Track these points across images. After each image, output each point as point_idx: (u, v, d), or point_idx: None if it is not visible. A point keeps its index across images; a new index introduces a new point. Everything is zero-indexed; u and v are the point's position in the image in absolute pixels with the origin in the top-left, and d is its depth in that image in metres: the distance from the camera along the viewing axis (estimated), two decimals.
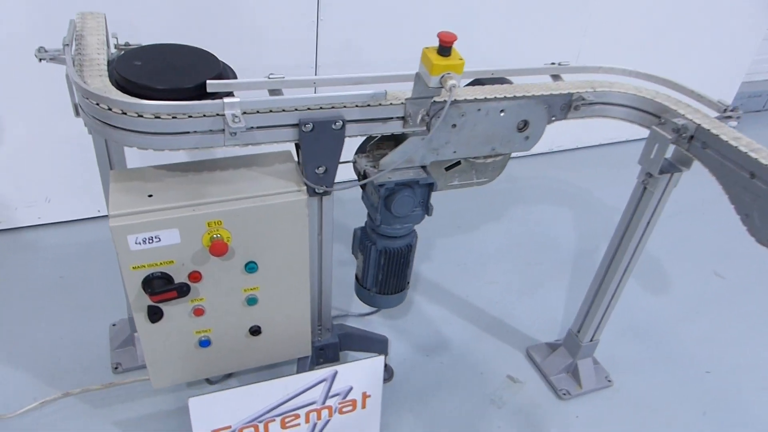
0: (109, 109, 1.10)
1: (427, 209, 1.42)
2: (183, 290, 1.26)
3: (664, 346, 2.07)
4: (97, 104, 1.11)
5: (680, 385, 1.94)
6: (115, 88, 1.16)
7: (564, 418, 1.78)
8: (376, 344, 1.75)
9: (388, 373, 1.81)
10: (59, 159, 2.14)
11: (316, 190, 1.30)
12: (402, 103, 1.26)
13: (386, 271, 1.48)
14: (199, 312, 1.34)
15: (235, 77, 1.28)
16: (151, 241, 1.20)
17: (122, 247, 1.19)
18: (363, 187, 1.43)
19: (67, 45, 1.24)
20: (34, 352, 1.78)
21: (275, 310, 1.42)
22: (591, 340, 1.82)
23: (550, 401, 1.82)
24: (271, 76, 1.21)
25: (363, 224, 1.53)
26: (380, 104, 1.25)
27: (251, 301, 1.37)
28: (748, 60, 3.28)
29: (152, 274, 1.24)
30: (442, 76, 1.14)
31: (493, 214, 2.63)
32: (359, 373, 1.53)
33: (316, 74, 2.33)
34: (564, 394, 1.82)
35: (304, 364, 1.58)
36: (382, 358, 1.54)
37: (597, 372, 1.89)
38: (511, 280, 2.27)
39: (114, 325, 1.88)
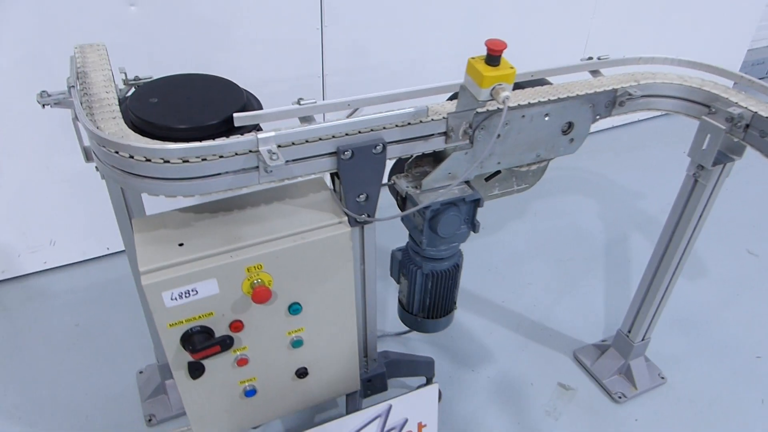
0: (131, 157, 0.99)
1: (473, 226, 1.33)
2: (226, 343, 1.16)
3: (710, 334, 2.00)
4: (116, 152, 1.00)
5: (733, 374, 1.86)
6: (132, 132, 1.05)
7: (623, 423, 1.70)
8: (422, 367, 1.66)
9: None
10: (60, 199, 2.02)
11: (358, 220, 1.20)
12: (444, 118, 1.16)
13: (434, 294, 1.39)
14: (242, 362, 1.24)
15: (260, 106, 1.18)
16: (188, 295, 1.10)
17: (157, 305, 1.09)
18: (402, 209, 1.33)
19: (73, 87, 1.13)
20: (60, 411, 1.68)
21: (322, 350, 1.33)
22: (642, 339, 1.74)
23: (606, 406, 1.74)
24: (302, 102, 1.10)
25: (400, 245, 1.44)
26: (421, 121, 1.15)
27: (296, 343, 1.27)
28: (753, 27, 3.20)
29: (191, 329, 1.14)
30: (493, 88, 1.04)
31: (515, 211, 2.54)
32: (414, 403, 1.44)
33: (323, 82, 2.23)
34: (619, 398, 1.74)
35: (353, 400, 1.49)
36: (436, 386, 1.45)
37: (650, 370, 1.81)
38: (546, 280, 2.18)
39: (141, 372, 1.77)
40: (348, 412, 1.49)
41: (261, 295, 1.13)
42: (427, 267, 1.35)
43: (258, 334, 1.22)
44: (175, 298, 1.09)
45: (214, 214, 1.19)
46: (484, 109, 1.20)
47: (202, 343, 1.13)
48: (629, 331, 1.73)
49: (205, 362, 1.20)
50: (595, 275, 2.21)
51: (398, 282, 1.46)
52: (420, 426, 1.47)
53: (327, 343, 1.32)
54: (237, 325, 1.18)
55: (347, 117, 1.11)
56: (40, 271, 2.13)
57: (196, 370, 1.20)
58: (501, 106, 1.09)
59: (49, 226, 2.06)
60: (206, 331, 1.15)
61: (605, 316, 2.03)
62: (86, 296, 2.04)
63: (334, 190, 1.24)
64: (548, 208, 2.57)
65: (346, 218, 1.19)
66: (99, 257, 2.19)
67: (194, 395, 1.25)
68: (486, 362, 1.85)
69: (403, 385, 1.75)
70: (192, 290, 1.10)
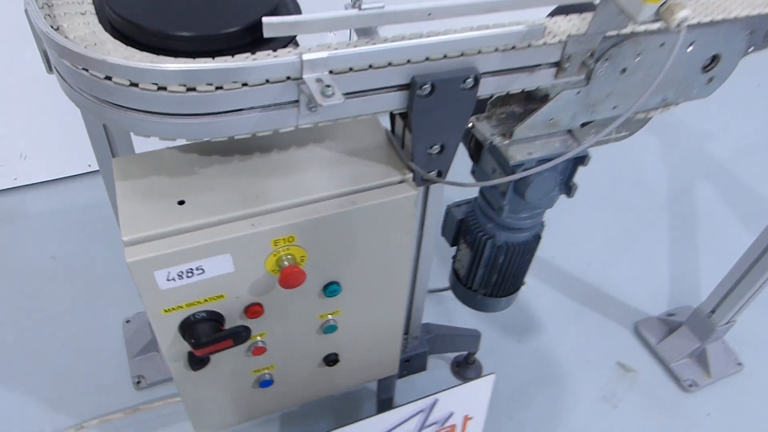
0: (108, 79, 0.65)
1: (568, 189, 1.01)
2: (241, 336, 0.86)
3: None
4: (86, 70, 0.66)
5: None
6: (110, 38, 0.70)
7: (693, 417, 1.45)
8: (467, 342, 1.39)
9: (476, 371, 1.47)
10: (32, 104, 1.66)
11: (425, 178, 0.87)
12: (561, 42, 0.81)
13: (505, 270, 1.09)
14: (259, 351, 0.95)
15: (298, 9, 0.82)
16: (190, 274, 0.79)
17: (147, 286, 0.78)
18: (476, 159, 1.00)
19: None
20: (27, 366, 1.41)
21: (359, 333, 1.04)
22: (727, 323, 1.46)
23: (673, 396, 1.49)
24: (363, 7, 0.74)
25: (459, 200, 1.12)
26: (530, 45, 0.80)
27: (330, 329, 0.98)
28: None
29: (194, 316, 0.84)
30: (665, 3, 0.69)
31: None
32: (464, 396, 1.17)
33: None
34: (690, 386, 1.49)
35: (388, 384, 1.22)
36: (491, 378, 1.18)
37: (726, 355, 1.55)
38: (602, 232, 1.88)
39: (128, 321, 1.49)
40: (380, 398, 1.23)
41: (292, 278, 0.82)
42: (501, 237, 1.04)
43: (281, 320, 0.92)
44: (173, 279, 0.78)
45: (227, 157, 0.86)
46: (613, 33, 0.84)
47: (208, 335, 0.83)
48: (712, 312, 1.46)
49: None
50: (657, 230, 1.91)
51: (454, 245, 1.16)
52: (466, 419, 1.21)
53: (366, 327, 1.03)
54: (255, 310, 0.88)
55: (425, 36, 0.76)
56: (9, 189, 1.80)
57: (198, 363, 0.91)
58: (673, 29, 0.73)
59: (18, 136, 1.71)
60: (214, 319, 0.85)
61: (670, 281, 1.75)
62: (64, 222, 1.73)
63: (393, 132, 0.90)
64: (603, 146, 2.23)
65: (410, 175, 0.86)
66: (79, 175, 1.85)
67: (193, 387, 0.97)
68: (533, 332, 1.58)
69: (442, 358, 1.49)
70: (197, 269, 0.79)
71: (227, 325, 0.87)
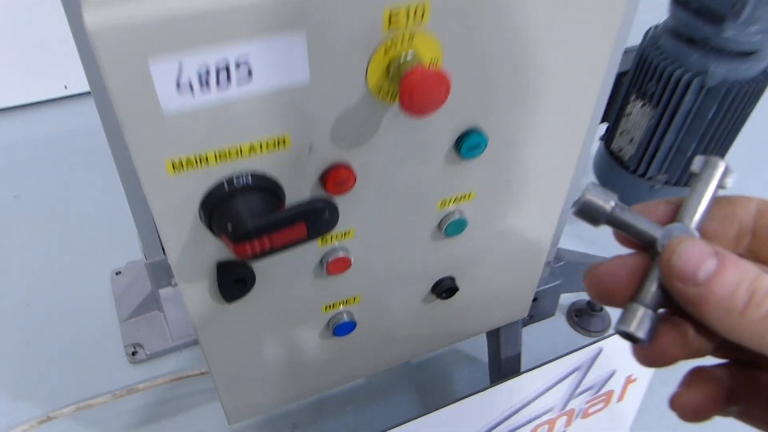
0: None
1: None
2: (322, 221, 0.44)
3: None
4: None
5: None
6: None
7: None
8: None
9: (603, 323, 1.06)
10: None
11: None
12: None
13: (713, 132, 0.68)
14: (339, 264, 0.54)
15: None
16: (222, 79, 0.38)
17: (135, 103, 0.37)
18: None
19: None
20: None
21: (494, 243, 0.63)
22: None
23: None
24: None
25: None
26: None
27: (455, 226, 0.57)
28: None
29: (231, 181, 0.43)
30: None
31: None
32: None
33: None
34: None
35: (511, 337, 0.81)
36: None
37: None
38: None
39: (118, 273, 1.09)
40: (502, 357, 0.82)
41: (426, 89, 0.41)
42: (718, 72, 0.63)
43: (379, 202, 0.52)
44: (188, 88, 0.38)
45: None
46: None
47: (260, 215, 0.43)
48: None
49: (256, 265, 0.51)
50: None
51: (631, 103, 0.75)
52: (628, 381, 0.81)
53: (506, 230, 0.63)
54: (340, 178, 0.47)
55: None
56: None
57: (235, 284, 0.50)
58: None
59: None
60: (269, 189, 0.45)
61: None
62: (31, 156, 1.32)
63: None
64: None
65: None
66: (52, 100, 1.44)
67: (226, 338, 0.57)
68: None
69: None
70: (237, 65, 0.38)
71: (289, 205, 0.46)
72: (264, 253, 0.44)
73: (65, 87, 1.42)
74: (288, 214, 0.43)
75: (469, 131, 0.50)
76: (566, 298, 1.07)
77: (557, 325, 1.07)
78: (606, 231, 0.32)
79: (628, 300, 0.28)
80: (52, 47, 1.34)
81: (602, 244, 1.11)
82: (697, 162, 0.29)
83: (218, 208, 0.44)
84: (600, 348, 0.72)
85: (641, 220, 0.29)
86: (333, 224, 0.45)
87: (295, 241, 0.44)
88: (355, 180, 0.48)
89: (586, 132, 0.57)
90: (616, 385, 0.80)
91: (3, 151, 1.33)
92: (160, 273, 0.96)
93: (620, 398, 0.83)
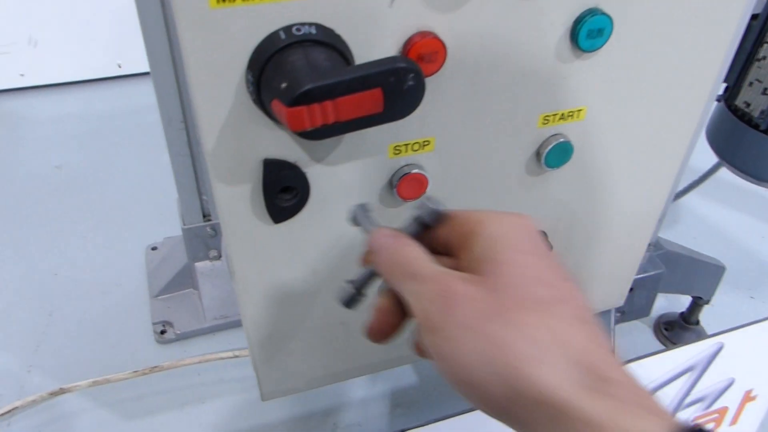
0: None
1: None
2: (407, 93, 0.34)
3: None
4: None
5: None
6: None
7: None
8: (705, 277, 0.83)
9: (698, 337, 0.91)
10: None
11: None
12: None
13: None
14: (413, 186, 0.43)
15: None
16: None
17: None
18: None
19: None
20: (16, 306, 0.93)
21: (602, 186, 0.51)
22: None
23: None
24: None
25: None
26: None
27: (557, 153, 0.46)
28: None
29: (288, 32, 0.33)
30: None
31: None
32: (751, 349, 0.63)
33: None
34: None
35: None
36: None
37: None
38: None
39: (154, 249, 1.00)
40: None
41: None
42: None
43: (469, 102, 0.41)
44: None
45: None
46: None
47: (322, 73, 0.32)
48: None
49: (311, 174, 0.40)
50: None
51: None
52: (747, 397, 0.66)
53: (618, 168, 0.51)
54: (428, 47, 0.37)
55: None
56: (14, 90, 1.35)
57: (284, 196, 0.40)
58: None
59: (25, 11, 1.28)
60: (333, 46, 0.35)
61: None
62: (78, 130, 1.26)
63: None
64: None
65: None
66: (105, 79, 1.40)
67: (267, 275, 0.46)
68: None
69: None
70: None
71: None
72: (325, 129, 0.33)
73: (119, 66, 1.38)
74: (361, 73, 0.32)
75: (589, 11, 0.39)
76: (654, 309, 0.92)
77: (643, 338, 0.92)
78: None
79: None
80: (107, 26, 1.31)
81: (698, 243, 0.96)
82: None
83: (271, 64, 0.33)
84: (721, 344, 0.59)
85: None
86: (417, 100, 0.34)
87: (367, 118, 0.34)
88: (445, 58, 0.38)
89: (714, 78, 0.46)
90: (732, 400, 0.66)
91: (49, 123, 1.28)
92: (198, 243, 0.87)
93: (734, 420, 0.68)
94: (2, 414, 0.76)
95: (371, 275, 0.34)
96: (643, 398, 0.24)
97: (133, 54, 1.35)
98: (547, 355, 0.24)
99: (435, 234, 0.32)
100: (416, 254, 0.30)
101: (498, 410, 0.25)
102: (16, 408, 0.76)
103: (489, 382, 0.25)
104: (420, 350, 0.31)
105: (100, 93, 1.36)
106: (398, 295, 0.30)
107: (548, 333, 0.24)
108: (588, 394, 0.23)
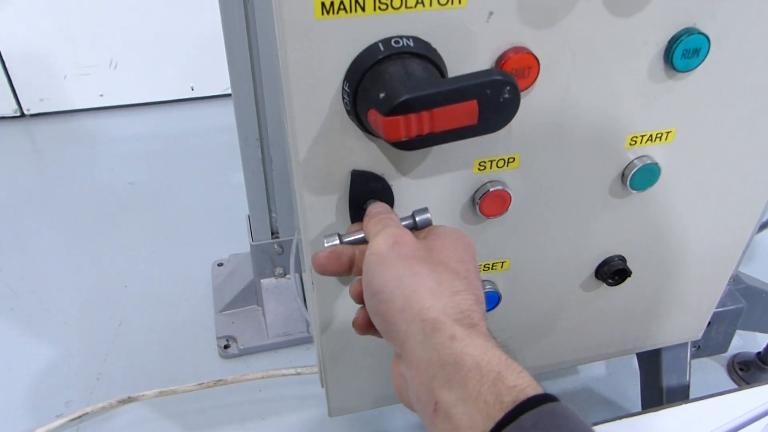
0: None
1: None
2: (503, 106, 0.34)
3: None
4: None
5: None
6: None
7: None
8: None
9: None
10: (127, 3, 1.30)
11: None
12: None
13: None
14: (496, 203, 0.43)
15: None
16: None
17: None
18: None
19: None
20: (78, 314, 0.96)
21: (686, 213, 0.50)
22: None
23: None
24: None
25: None
26: None
27: (644, 176, 0.45)
28: None
29: (387, 44, 0.34)
30: None
31: None
32: None
33: None
34: None
35: (678, 362, 0.65)
36: None
37: None
38: None
39: (220, 265, 1.02)
40: (647, 387, 0.66)
41: None
42: None
43: (557, 116, 0.41)
44: None
45: None
46: None
47: (424, 84, 0.33)
48: None
49: (395, 186, 0.41)
50: None
51: None
52: None
53: (704, 196, 0.49)
54: (521, 62, 0.37)
55: None
56: (93, 110, 1.42)
57: (366, 194, 0.41)
58: None
59: (110, 39, 1.35)
60: (429, 59, 0.35)
61: None
62: (151, 149, 1.32)
63: None
64: None
65: None
66: (178, 101, 1.45)
67: (343, 287, 0.46)
68: None
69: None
70: None
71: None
72: (420, 139, 0.34)
73: (191, 88, 1.43)
74: (458, 85, 0.33)
75: (686, 30, 0.39)
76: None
77: (716, 377, 0.88)
78: None
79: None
80: (183, 50, 1.37)
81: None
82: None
83: (369, 75, 0.34)
84: None
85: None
86: (512, 113, 0.35)
87: (461, 130, 0.34)
88: (538, 74, 0.38)
89: None
90: None
91: (125, 141, 1.34)
92: (265, 259, 0.88)
93: None
94: (72, 419, 0.78)
95: (359, 241, 0.39)
96: (497, 346, 0.32)
97: (205, 77, 1.41)
98: (442, 294, 0.34)
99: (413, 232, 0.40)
100: (396, 221, 0.39)
101: (387, 320, 0.35)
102: (86, 414, 0.78)
103: (395, 296, 0.34)
104: (357, 292, 0.39)
105: (174, 114, 1.42)
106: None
107: (449, 285, 0.34)
108: (458, 324, 0.32)
